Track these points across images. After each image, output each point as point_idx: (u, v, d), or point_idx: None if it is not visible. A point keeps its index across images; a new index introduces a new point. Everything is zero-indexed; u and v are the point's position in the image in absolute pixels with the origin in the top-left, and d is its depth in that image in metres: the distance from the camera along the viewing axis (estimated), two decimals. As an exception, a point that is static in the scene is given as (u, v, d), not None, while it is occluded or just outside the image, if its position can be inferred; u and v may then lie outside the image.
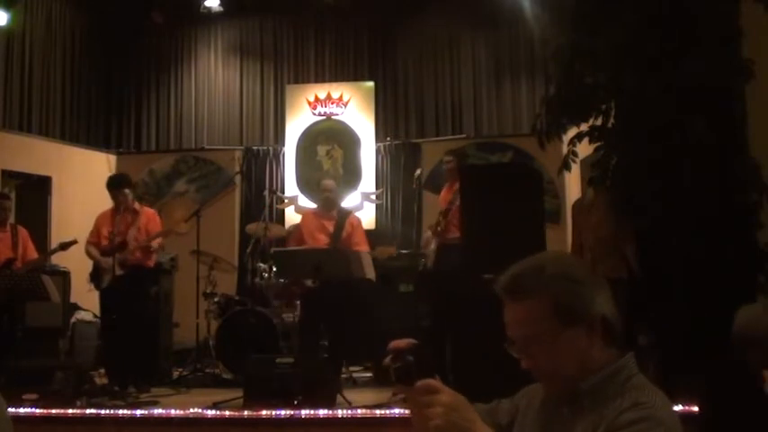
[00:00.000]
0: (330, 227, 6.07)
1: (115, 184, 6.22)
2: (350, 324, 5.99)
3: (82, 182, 9.11)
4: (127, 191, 6.14)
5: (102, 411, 4.63)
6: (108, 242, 5.98)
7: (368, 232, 8.24)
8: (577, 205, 5.59)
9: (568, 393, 1.44)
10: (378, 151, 9.64)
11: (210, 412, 4.56)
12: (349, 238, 6.02)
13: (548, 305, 1.40)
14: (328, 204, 6.19)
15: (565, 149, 5.10)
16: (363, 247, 6.03)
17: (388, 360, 1.39)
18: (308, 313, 5.96)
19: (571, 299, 1.41)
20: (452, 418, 1.28)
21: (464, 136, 9.55)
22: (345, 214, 6.25)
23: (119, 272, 5.88)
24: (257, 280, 7.22)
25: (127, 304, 5.88)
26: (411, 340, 1.44)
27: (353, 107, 9.69)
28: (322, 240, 6.01)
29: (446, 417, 1.28)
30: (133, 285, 5.95)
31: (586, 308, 1.41)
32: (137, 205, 6.29)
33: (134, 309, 5.95)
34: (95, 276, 6.05)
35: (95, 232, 6.14)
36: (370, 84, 9.86)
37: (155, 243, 6.15)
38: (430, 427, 1.28)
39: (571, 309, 1.40)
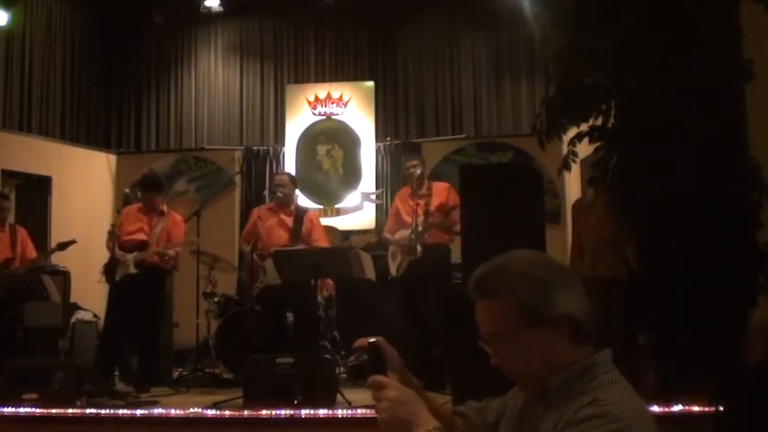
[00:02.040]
0: (289, 222, 6.14)
1: (146, 187, 6.27)
2: (346, 322, 6.01)
3: (82, 182, 9.12)
4: (157, 196, 6.21)
5: (102, 411, 4.63)
6: (126, 236, 6.02)
7: (368, 232, 8.25)
8: (577, 205, 5.59)
9: (541, 392, 1.45)
10: (378, 151, 9.64)
11: (210, 412, 4.56)
12: (309, 234, 6.09)
13: (510, 304, 1.42)
14: (281, 201, 6.24)
15: (565, 149, 5.10)
16: (323, 242, 6.18)
17: (352, 358, 1.47)
18: (269, 311, 6.00)
19: (532, 298, 1.42)
20: (397, 412, 1.33)
21: (464, 136, 9.55)
22: (303, 210, 6.30)
23: (133, 270, 5.91)
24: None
25: (136, 302, 5.90)
26: (371, 339, 1.52)
27: (353, 107, 9.69)
28: (283, 236, 6.06)
29: (391, 411, 1.33)
30: (146, 284, 5.98)
31: (549, 307, 1.42)
32: (164, 207, 6.32)
33: (142, 307, 5.97)
34: (110, 270, 6.05)
35: (118, 227, 6.16)
36: (370, 84, 9.86)
37: (173, 251, 6.20)
38: (378, 420, 1.34)
39: (533, 308, 1.42)
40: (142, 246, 6.04)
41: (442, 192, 5.89)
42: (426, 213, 5.77)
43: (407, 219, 5.89)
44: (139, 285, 5.94)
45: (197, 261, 6.81)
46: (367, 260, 5.50)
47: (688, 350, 4.24)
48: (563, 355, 1.43)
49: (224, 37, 10.53)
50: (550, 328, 1.42)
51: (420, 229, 5.73)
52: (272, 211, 6.29)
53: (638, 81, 4.41)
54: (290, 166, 9.63)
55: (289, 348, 5.41)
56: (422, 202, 5.80)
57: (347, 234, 7.96)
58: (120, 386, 5.78)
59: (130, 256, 5.98)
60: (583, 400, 1.36)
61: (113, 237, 5.97)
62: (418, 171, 5.92)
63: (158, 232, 6.14)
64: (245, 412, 4.50)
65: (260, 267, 6.15)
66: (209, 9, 9.86)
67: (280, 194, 6.26)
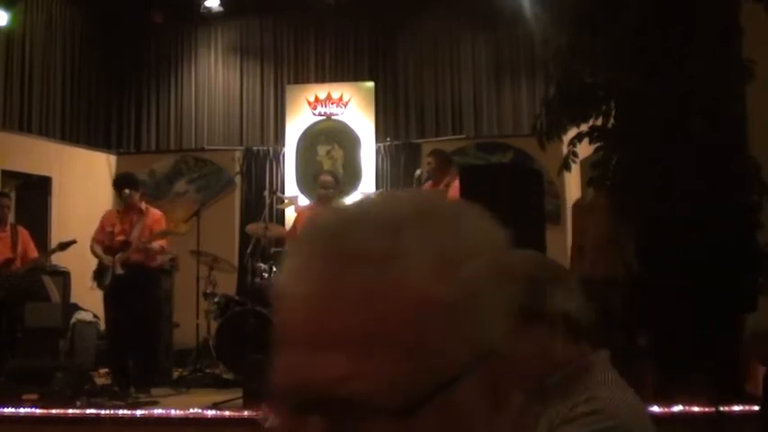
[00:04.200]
0: None
1: (116, 184, 6.31)
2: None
3: (82, 182, 9.11)
4: (127, 191, 6.16)
5: (102, 411, 4.64)
6: (110, 241, 6.04)
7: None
8: (577, 206, 5.60)
9: (538, 390, 1.46)
10: (378, 151, 9.62)
11: (210, 412, 4.56)
12: None
13: None
14: (326, 201, 6.20)
15: (565, 150, 5.10)
16: None
17: None
18: None
19: (527, 297, 1.42)
20: None
21: (464, 136, 9.55)
22: None
23: (119, 271, 5.91)
24: (257, 280, 7.22)
25: (129, 304, 5.90)
26: None
27: (353, 107, 9.68)
28: None
29: None
30: (135, 285, 5.97)
31: (545, 306, 1.43)
32: (143, 205, 6.32)
33: (136, 308, 5.96)
34: (99, 274, 6.06)
35: (100, 230, 6.18)
36: (371, 84, 9.85)
37: (156, 244, 6.17)
38: None
39: (528, 306, 1.41)
40: (124, 246, 6.05)
41: (455, 191, 5.87)
42: None
43: None
44: (129, 286, 5.94)
45: (197, 261, 6.82)
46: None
47: (688, 351, 4.24)
48: (559, 353, 1.44)
49: (224, 37, 10.53)
50: (546, 327, 1.43)
51: None
52: (311, 212, 6.30)
53: (639, 81, 4.42)
54: (290, 166, 9.63)
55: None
56: None
57: None
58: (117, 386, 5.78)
59: (116, 257, 5.99)
60: (579, 397, 1.37)
61: (111, 237, 5.99)
62: (431, 167, 6.06)
63: (138, 230, 6.12)
64: (245, 412, 4.50)
65: None
66: (209, 9, 9.85)
67: (325, 193, 6.26)
